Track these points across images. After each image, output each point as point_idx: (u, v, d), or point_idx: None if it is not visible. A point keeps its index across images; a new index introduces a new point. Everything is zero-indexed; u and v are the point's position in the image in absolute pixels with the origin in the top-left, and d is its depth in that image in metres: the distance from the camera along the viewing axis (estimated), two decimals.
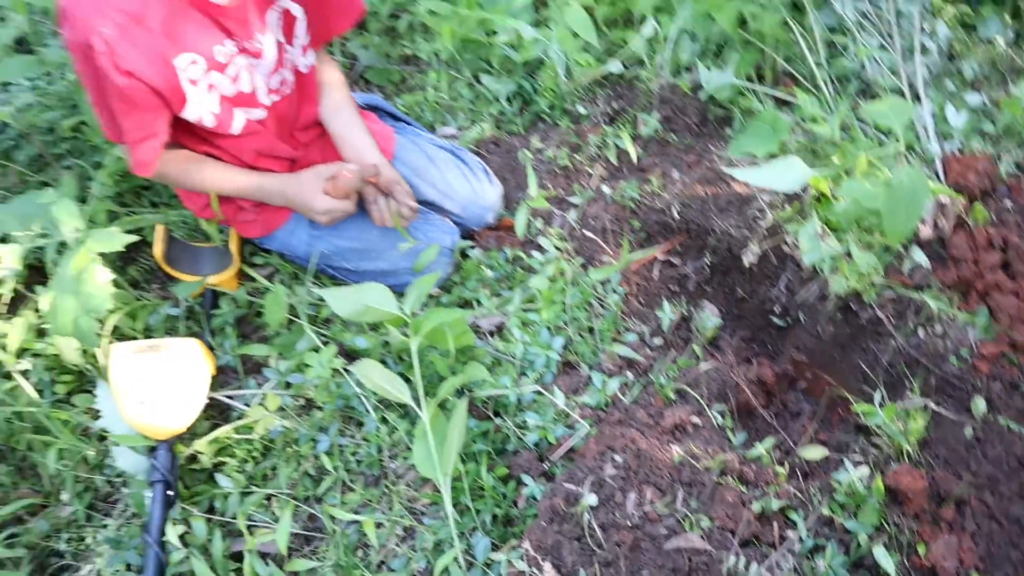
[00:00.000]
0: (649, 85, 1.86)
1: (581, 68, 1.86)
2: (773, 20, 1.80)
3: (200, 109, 1.49)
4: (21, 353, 1.66)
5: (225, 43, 1.46)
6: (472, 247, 1.75)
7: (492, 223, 1.83)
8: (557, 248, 1.70)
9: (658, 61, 1.87)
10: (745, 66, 1.87)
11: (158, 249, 1.73)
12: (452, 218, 1.78)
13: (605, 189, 1.77)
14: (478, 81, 2.04)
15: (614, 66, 1.83)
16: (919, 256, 1.44)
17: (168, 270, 1.74)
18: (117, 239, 1.61)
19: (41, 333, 1.68)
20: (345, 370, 1.48)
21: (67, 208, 1.64)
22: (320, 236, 1.70)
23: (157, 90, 1.40)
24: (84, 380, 1.68)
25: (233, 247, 1.78)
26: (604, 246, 1.71)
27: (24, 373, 1.61)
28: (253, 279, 1.77)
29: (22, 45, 2.15)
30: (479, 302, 1.68)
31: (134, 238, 1.60)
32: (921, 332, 1.39)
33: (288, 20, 1.56)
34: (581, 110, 1.88)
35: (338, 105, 1.70)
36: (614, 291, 1.65)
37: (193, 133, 1.58)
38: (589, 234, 1.71)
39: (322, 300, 1.67)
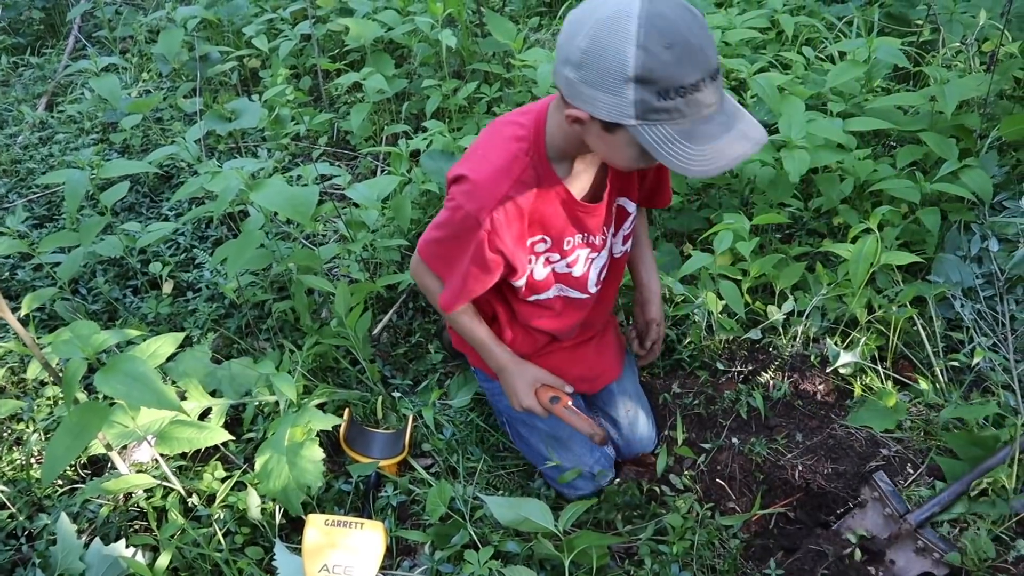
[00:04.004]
0: (782, 352, 2.11)
1: (725, 330, 2.12)
2: (899, 315, 2.05)
3: (528, 278, 1.69)
4: (212, 499, 1.93)
5: (575, 236, 1.66)
6: (615, 477, 1.96)
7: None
8: (687, 488, 1.90)
9: (792, 332, 2.13)
10: (869, 348, 2.11)
11: (343, 429, 2.01)
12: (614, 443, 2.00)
13: (734, 440, 1.99)
14: (624, 325, 2.33)
15: (755, 334, 2.10)
16: None
17: (346, 449, 2.01)
18: (329, 419, 1.90)
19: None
20: (500, 572, 1.68)
21: (286, 381, 1.94)
22: None
23: (510, 263, 1.61)
24: (257, 534, 1.92)
25: (406, 438, 2.04)
26: (730, 492, 1.90)
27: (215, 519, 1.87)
28: (414, 468, 2.02)
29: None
30: (611, 524, 1.88)
31: (340, 420, 1.90)
32: None
33: (621, 215, 1.75)
34: (719, 366, 2.13)
35: (642, 254, 1.96)
36: (735, 536, 1.82)
37: (497, 288, 1.74)
38: (719, 480, 1.91)
39: (478, 499, 1.90)
